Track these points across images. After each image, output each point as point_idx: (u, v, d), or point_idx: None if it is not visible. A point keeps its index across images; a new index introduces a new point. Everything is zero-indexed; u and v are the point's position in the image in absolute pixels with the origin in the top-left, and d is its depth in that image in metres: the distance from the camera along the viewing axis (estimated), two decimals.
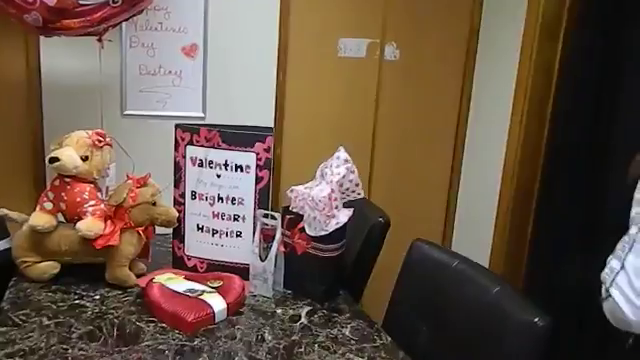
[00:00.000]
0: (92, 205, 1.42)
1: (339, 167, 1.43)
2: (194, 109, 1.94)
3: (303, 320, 1.33)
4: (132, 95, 1.90)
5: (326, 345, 1.21)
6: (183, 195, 1.54)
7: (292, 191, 1.50)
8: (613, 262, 0.99)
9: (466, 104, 2.39)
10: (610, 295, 0.94)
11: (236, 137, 1.46)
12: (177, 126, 1.52)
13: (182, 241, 1.57)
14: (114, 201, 1.43)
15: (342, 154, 1.44)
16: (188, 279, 1.43)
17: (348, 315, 1.38)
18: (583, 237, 2.04)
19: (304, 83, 2.12)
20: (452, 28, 2.32)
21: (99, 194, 1.46)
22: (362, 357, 1.17)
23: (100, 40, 1.38)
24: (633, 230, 0.98)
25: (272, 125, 2.06)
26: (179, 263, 1.58)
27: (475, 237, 2.35)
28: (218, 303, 1.30)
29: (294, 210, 1.49)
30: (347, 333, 1.28)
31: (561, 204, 2.16)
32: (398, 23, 2.21)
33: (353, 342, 1.23)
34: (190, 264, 1.57)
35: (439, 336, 1.19)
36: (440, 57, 2.32)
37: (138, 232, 1.46)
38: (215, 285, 1.41)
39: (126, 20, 1.42)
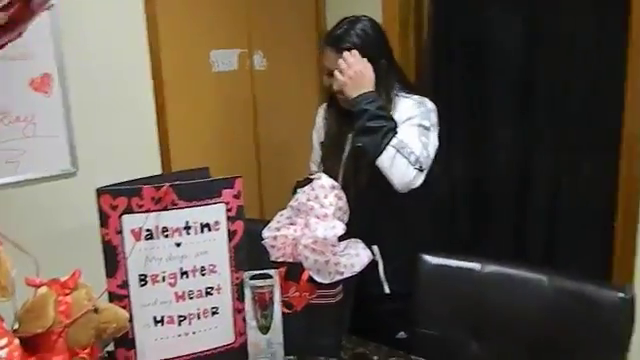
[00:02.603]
0: (3, 346, 0.88)
1: (327, 197, 1.23)
2: (60, 164, 1.38)
3: None
4: None
5: None
6: (125, 284, 1.09)
7: (275, 238, 1.23)
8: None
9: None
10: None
11: (197, 188, 1.11)
12: (100, 191, 1.06)
13: (132, 347, 1.12)
14: (40, 327, 0.92)
15: (326, 181, 1.24)
16: None
17: (377, 357, 1.22)
18: None
19: (184, 105, 1.79)
20: (304, 31, 2.28)
21: (5, 325, 0.91)
22: None
23: None
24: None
25: (159, 157, 1.67)
26: None
27: None
28: None
29: (281, 260, 1.23)
30: None
31: None
32: (261, 31, 2.06)
33: None
34: None
35: (501, 345, 1.15)
36: (298, 60, 2.26)
37: (83, 358, 0.98)
38: None
39: (2, 47, 0.88)
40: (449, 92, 2.19)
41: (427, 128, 1.40)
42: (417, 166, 1.32)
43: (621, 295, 1.01)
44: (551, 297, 1.10)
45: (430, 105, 1.44)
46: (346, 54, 1.40)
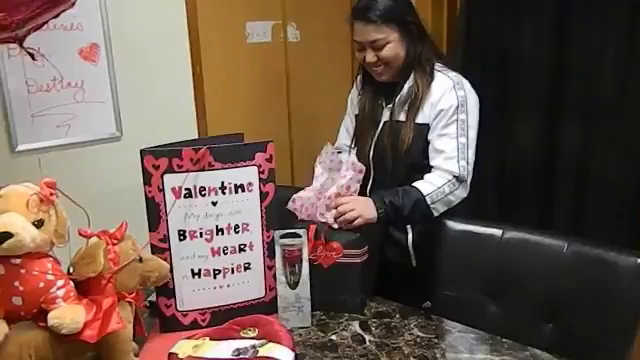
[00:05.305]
0: (61, 286, 0.99)
1: (348, 170, 1.29)
2: (106, 128, 1.48)
3: (368, 337, 1.18)
4: (22, 123, 1.35)
5: (424, 355, 1.10)
6: (166, 238, 1.19)
7: (294, 201, 1.30)
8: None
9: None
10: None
11: (232, 151, 1.18)
12: (144, 152, 1.15)
13: (172, 296, 1.23)
14: (92, 271, 1.02)
15: (355, 161, 1.31)
16: (215, 339, 1.13)
17: (399, 316, 1.28)
18: None
19: (219, 75, 1.86)
20: (336, 3, 2.30)
21: (61, 268, 1.02)
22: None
23: (22, 47, 0.91)
24: None
25: (196, 123, 1.76)
26: (171, 324, 1.23)
27: None
28: (285, 354, 1.06)
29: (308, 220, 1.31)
30: (421, 333, 1.18)
31: None
32: (294, 3, 2.09)
33: (437, 340, 1.15)
34: (187, 321, 1.24)
35: (517, 307, 1.20)
36: (330, 33, 2.29)
37: (129, 302, 1.09)
38: (253, 334, 1.14)
39: (55, 17, 0.97)
40: (480, 66, 2.18)
41: (464, 122, 1.39)
42: (460, 188, 1.37)
43: (639, 261, 1.04)
44: (570, 262, 1.12)
45: (467, 86, 1.43)
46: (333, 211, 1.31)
